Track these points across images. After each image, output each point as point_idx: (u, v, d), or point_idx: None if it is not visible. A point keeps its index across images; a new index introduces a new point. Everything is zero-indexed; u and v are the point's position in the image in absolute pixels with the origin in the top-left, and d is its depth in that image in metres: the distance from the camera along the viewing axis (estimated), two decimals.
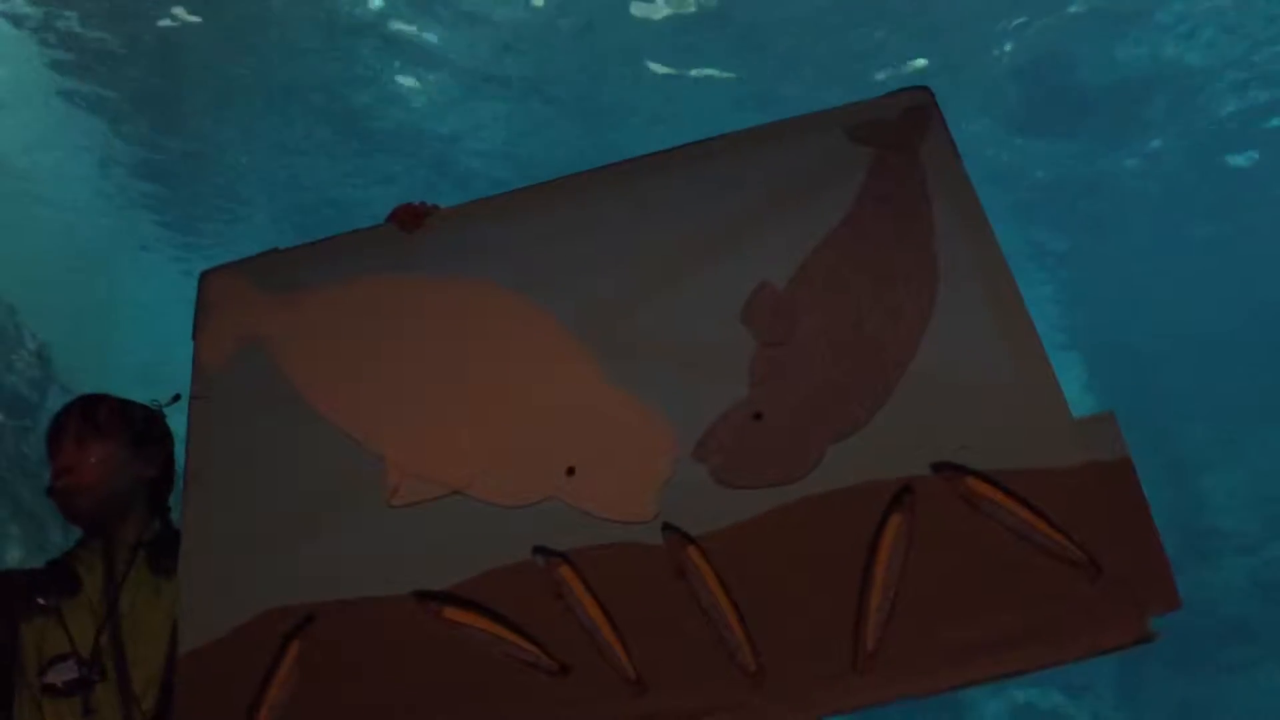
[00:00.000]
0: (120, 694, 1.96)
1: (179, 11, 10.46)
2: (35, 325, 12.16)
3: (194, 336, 1.98)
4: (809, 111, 1.95)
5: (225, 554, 1.80)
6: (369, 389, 1.88)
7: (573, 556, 1.68)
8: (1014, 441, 1.64)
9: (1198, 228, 14.91)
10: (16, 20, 10.60)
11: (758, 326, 1.78)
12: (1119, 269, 15.48)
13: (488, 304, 1.90)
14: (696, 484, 1.70)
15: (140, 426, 2.18)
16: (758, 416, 1.73)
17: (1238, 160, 13.94)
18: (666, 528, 1.68)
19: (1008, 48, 11.62)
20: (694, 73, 11.92)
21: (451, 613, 1.69)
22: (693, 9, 10.82)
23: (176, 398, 2.14)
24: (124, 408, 2.19)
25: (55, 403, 10.83)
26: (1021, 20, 11.21)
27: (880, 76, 11.17)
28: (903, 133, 1.88)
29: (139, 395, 2.27)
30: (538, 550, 1.70)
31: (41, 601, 2.04)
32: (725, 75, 11.87)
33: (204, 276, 2.04)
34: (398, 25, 11.02)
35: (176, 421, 2.19)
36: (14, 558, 8.80)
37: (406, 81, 12.08)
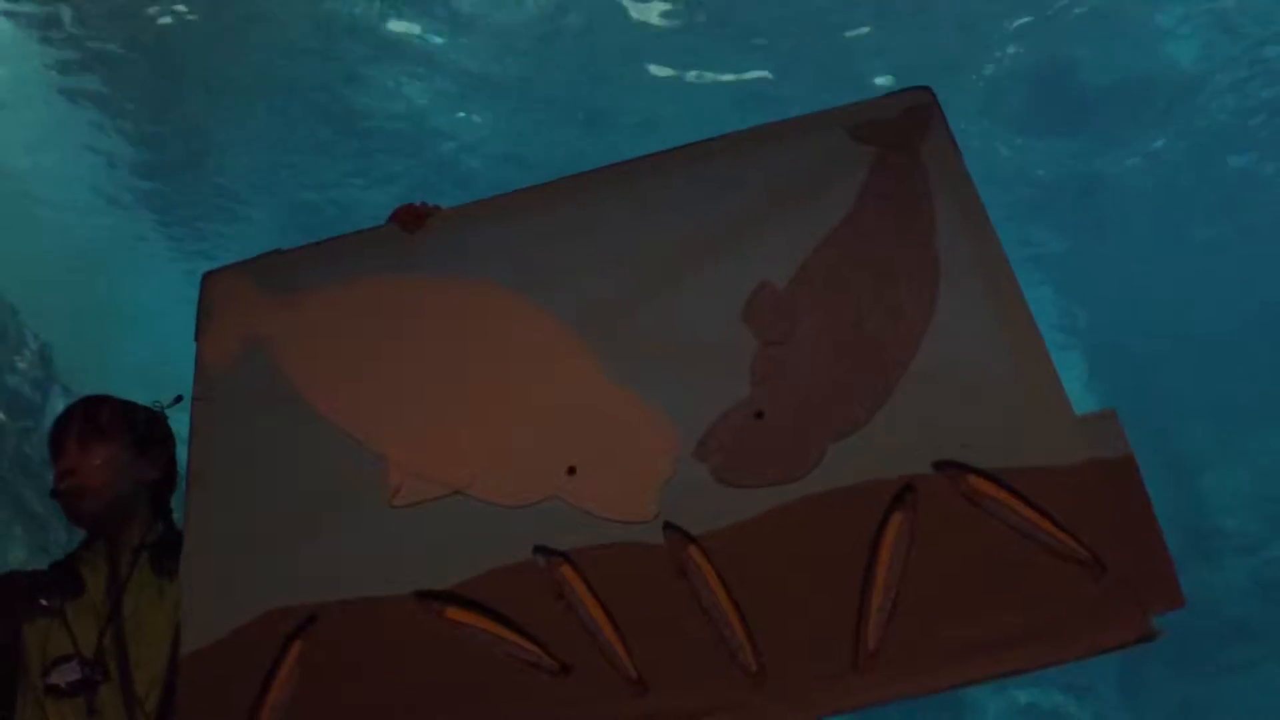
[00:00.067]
0: (123, 695, 1.96)
1: (180, 9, 10.46)
2: (37, 326, 12.16)
3: (196, 338, 1.99)
4: (810, 113, 1.96)
5: (227, 554, 1.80)
6: (370, 389, 1.88)
7: (574, 556, 1.68)
8: (1016, 439, 1.63)
9: (1198, 228, 14.90)
10: (16, 20, 10.60)
11: (758, 326, 1.78)
12: (1119, 269, 15.47)
13: (489, 304, 1.90)
14: (697, 483, 1.70)
15: (143, 428, 2.18)
16: (759, 415, 1.73)
17: (1238, 161, 13.94)
18: (667, 527, 1.68)
19: (1009, 49, 11.62)
20: (693, 75, 11.93)
21: (453, 613, 1.69)
22: (692, 12, 10.82)
23: (179, 399, 2.14)
24: (126, 409, 2.19)
25: (57, 403, 10.85)
26: (1022, 21, 11.21)
27: (881, 81, 11.18)
28: (904, 132, 1.88)
29: (139, 395, 2.27)
30: (538, 550, 1.70)
31: (45, 603, 2.04)
32: (725, 78, 11.88)
33: (206, 278, 2.04)
34: (398, 26, 11.03)
35: (178, 422, 2.20)
36: (17, 558, 8.80)
37: (407, 83, 12.10)
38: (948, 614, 1.57)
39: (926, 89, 1.92)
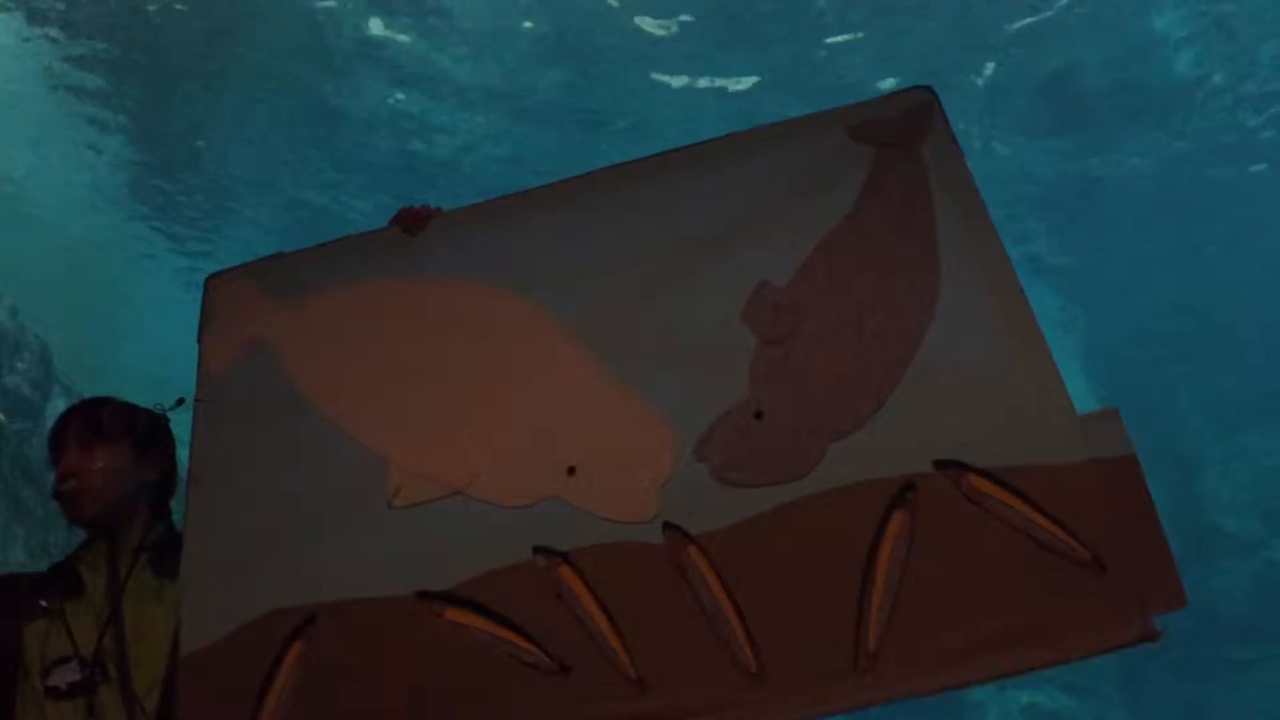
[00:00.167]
0: (123, 695, 1.96)
1: (180, 9, 10.48)
2: (36, 327, 12.18)
3: (199, 340, 1.99)
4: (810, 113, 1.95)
5: (228, 555, 1.80)
6: (371, 390, 1.89)
7: (573, 556, 1.68)
8: (1017, 439, 1.63)
9: (1198, 228, 14.90)
10: (13, 17, 10.61)
11: (759, 326, 1.78)
12: (1118, 269, 15.47)
13: (490, 305, 1.91)
14: (697, 483, 1.69)
15: (144, 430, 2.18)
16: (759, 415, 1.72)
17: (1237, 161, 13.93)
18: (667, 527, 1.67)
19: (1009, 51, 11.62)
20: (699, 83, 11.95)
21: (452, 613, 1.69)
22: (695, 19, 10.83)
23: (180, 401, 2.14)
24: (128, 411, 2.19)
25: (57, 404, 10.86)
26: (1022, 23, 11.22)
27: (882, 85, 11.19)
28: (905, 131, 1.88)
29: (139, 396, 2.28)
30: (538, 550, 1.70)
31: (44, 604, 2.04)
32: (729, 84, 11.89)
33: (209, 280, 2.05)
34: (400, 39, 11.06)
35: (179, 424, 2.20)
36: (17, 560, 8.80)
37: (408, 95, 12.12)
38: (948, 614, 1.57)
39: (928, 88, 1.92)
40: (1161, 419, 14.28)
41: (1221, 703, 13.80)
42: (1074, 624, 1.54)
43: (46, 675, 1.97)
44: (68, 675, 1.96)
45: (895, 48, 11.15)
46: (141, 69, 11.52)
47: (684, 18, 10.95)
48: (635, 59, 11.53)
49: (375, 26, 11.02)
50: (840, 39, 11.08)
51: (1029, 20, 11.23)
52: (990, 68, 11.87)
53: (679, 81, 11.92)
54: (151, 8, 10.43)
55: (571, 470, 1.75)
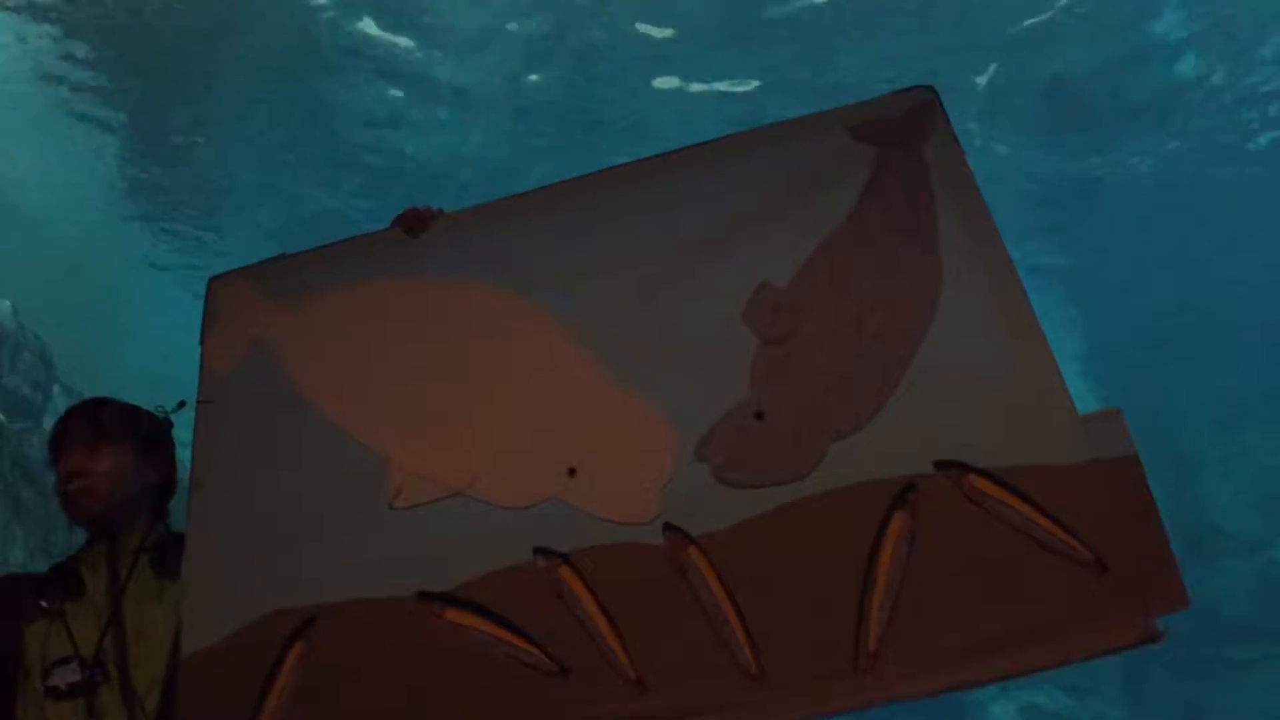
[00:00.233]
0: (123, 696, 1.96)
1: (179, 8, 10.48)
2: (37, 327, 12.18)
3: (201, 341, 2.00)
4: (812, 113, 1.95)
5: (229, 556, 1.80)
6: (373, 391, 1.89)
7: (574, 557, 1.68)
8: (1019, 439, 1.63)
9: (1198, 228, 14.90)
10: (12, 16, 10.62)
11: (760, 326, 1.78)
12: (1119, 269, 15.47)
13: (491, 306, 1.91)
14: (698, 484, 1.69)
15: (147, 432, 2.19)
16: (759, 416, 1.72)
17: (1238, 161, 13.94)
18: (668, 528, 1.67)
19: (1010, 51, 11.63)
20: (700, 87, 11.95)
21: (452, 614, 1.69)
22: (697, 25, 10.83)
23: (182, 404, 2.15)
24: (131, 413, 2.21)
25: (58, 404, 10.85)
26: (1024, 23, 11.22)
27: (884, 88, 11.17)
28: (906, 131, 1.88)
29: (138, 396, 2.28)
30: (539, 551, 1.70)
31: (45, 604, 2.04)
32: (733, 89, 11.89)
33: (212, 282, 2.06)
34: (403, 45, 11.07)
35: (180, 425, 2.20)
36: (17, 560, 8.80)
37: (408, 96, 12.13)
38: (949, 615, 1.57)
39: (929, 88, 1.91)
40: (1161, 419, 14.27)
41: (1222, 703, 13.79)
42: (1075, 625, 1.53)
43: (47, 675, 1.97)
44: (68, 675, 1.96)
45: (896, 49, 11.15)
46: (141, 70, 11.53)
47: (683, 21, 10.96)
48: (635, 61, 11.54)
49: (373, 27, 11.03)
50: (840, 40, 11.09)
51: (1030, 21, 11.23)
52: (991, 68, 11.88)
53: (678, 85, 11.93)
54: (149, 10, 10.44)
55: (572, 471, 1.75)
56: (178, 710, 1.76)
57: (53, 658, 1.98)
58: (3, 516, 8.99)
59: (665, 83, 11.91)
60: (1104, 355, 15.76)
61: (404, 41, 11.21)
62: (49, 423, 2.22)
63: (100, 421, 2.14)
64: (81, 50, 11.23)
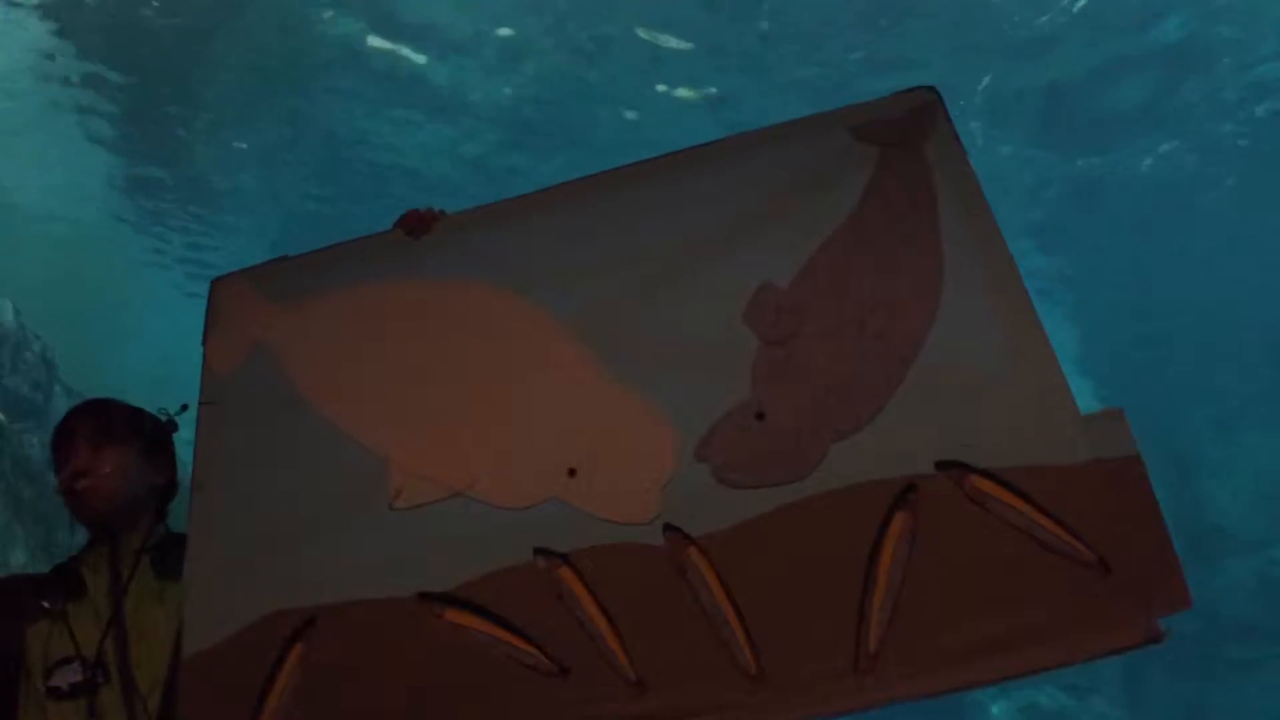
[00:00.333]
0: (124, 696, 1.96)
1: (175, 18, 10.50)
2: (38, 327, 12.18)
3: (204, 342, 2.00)
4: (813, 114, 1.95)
5: (230, 557, 1.80)
6: (374, 392, 1.89)
7: (574, 558, 1.68)
8: (1020, 439, 1.62)
9: (1198, 228, 14.90)
10: (11, 13, 10.63)
11: (760, 326, 1.78)
12: (1119, 268, 15.47)
13: (491, 306, 1.91)
14: (698, 484, 1.69)
15: (152, 434, 2.20)
16: (760, 416, 1.72)
17: (1238, 162, 13.93)
18: (668, 528, 1.67)
19: (1011, 52, 11.63)
20: (704, 93, 11.95)
21: (452, 615, 1.68)
22: (699, 33, 10.83)
23: (184, 408, 2.15)
24: (136, 414, 2.22)
25: (59, 404, 10.86)
26: (1024, 25, 11.23)
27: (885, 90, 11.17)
28: (908, 131, 1.87)
29: (139, 396, 2.29)
30: (539, 551, 1.69)
31: (47, 605, 2.04)
32: (735, 95, 11.89)
33: (214, 284, 2.07)
34: (403, 47, 11.08)
35: (182, 425, 2.21)
36: (18, 560, 8.80)
37: (409, 104, 12.15)
38: (950, 616, 1.56)
39: (931, 89, 1.91)
40: (1161, 419, 14.26)
41: (1223, 703, 13.78)
42: (1077, 625, 1.53)
43: (48, 676, 1.98)
44: (69, 676, 1.96)
45: (896, 49, 11.15)
46: (141, 70, 11.54)
47: (686, 29, 10.97)
48: (635, 64, 11.55)
49: (373, 30, 11.04)
50: (840, 42, 11.10)
51: (1030, 22, 11.23)
52: (992, 69, 11.88)
53: (680, 93, 11.95)
54: (148, 10, 10.45)
55: (572, 471, 1.74)
56: (179, 710, 1.76)
57: (54, 658, 1.99)
58: (3, 517, 8.99)
59: (666, 88, 11.92)
60: (1104, 355, 15.76)
61: (404, 43, 11.23)
62: (50, 423, 2.22)
63: (106, 422, 2.15)
64: (81, 50, 11.25)
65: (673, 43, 11.15)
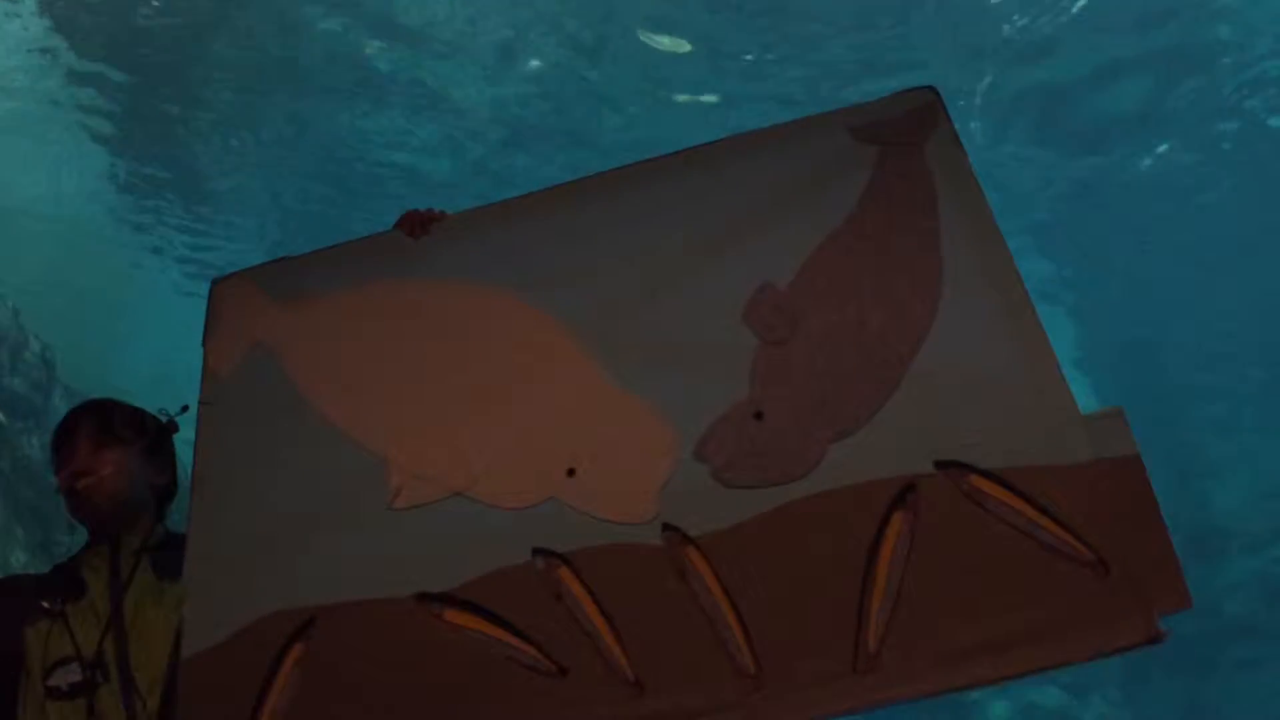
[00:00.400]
0: (123, 696, 1.96)
1: (171, 21, 10.51)
2: (38, 328, 12.19)
3: (204, 343, 2.00)
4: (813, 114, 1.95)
5: (229, 557, 1.80)
6: (372, 392, 1.89)
7: (572, 558, 1.68)
8: (1020, 438, 1.62)
9: (1199, 228, 14.90)
10: (16, 29, 10.64)
11: (760, 326, 1.78)
12: (1120, 268, 15.47)
13: (490, 307, 1.91)
14: (697, 484, 1.69)
15: (152, 434, 2.21)
16: (759, 416, 1.72)
17: (1237, 163, 13.94)
18: (667, 528, 1.67)
19: (1009, 55, 11.64)
20: (708, 98, 11.96)
21: (451, 615, 1.68)
22: (699, 39, 10.84)
23: (185, 409, 2.16)
24: (137, 415, 2.22)
25: (59, 404, 10.86)
26: (1025, 26, 11.24)
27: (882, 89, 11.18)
28: (908, 131, 1.88)
29: (139, 396, 2.29)
30: (538, 552, 1.69)
31: (46, 605, 2.05)
32: (738, 98, 11.89)
33: (215, 284, 2.07)
34: (403, 49, 11.09)
35: (183, 426, 2.21)
36: (17, 560, 8.80)
37: (406, 105, 12.15)
38: (949, 615, 1.56)
39: (931, 88, 1.91)
40: (1161, 419, 14.27)
41: (1224, 702, 13.78)
42: (1078, 625, 1.53)
43: (48, 675, 1.98)
44: (69, 676, 1.96)
45: (896, 50, 11.16)
46: (141, 71, 11.55)
47: (686, 30, 10.99)
48: (635, 68, 11.55)
49: (372, 34, 11.05)
50: (841, 42, 11.11)
51: (1030, 23, 11.24)
52: (992, 70, 11.89)
53: (680, 94, 11.95)
54: (146, 10, 10.46)
55: (571, 471, 1.74)
56: (178, 710, 1.76)
57: (54, 658, 1.99)
58: (3, 517, 8.99)
59: (667, 92, 11.93)
60: (1104, 355, 15.76)
61: (404, 43, 11.24)
62: (50, 423, 2.22)
63: (107, 421, 2.16)
64: (81, 49, 11.25)
65: (673, 44, 11.16)
